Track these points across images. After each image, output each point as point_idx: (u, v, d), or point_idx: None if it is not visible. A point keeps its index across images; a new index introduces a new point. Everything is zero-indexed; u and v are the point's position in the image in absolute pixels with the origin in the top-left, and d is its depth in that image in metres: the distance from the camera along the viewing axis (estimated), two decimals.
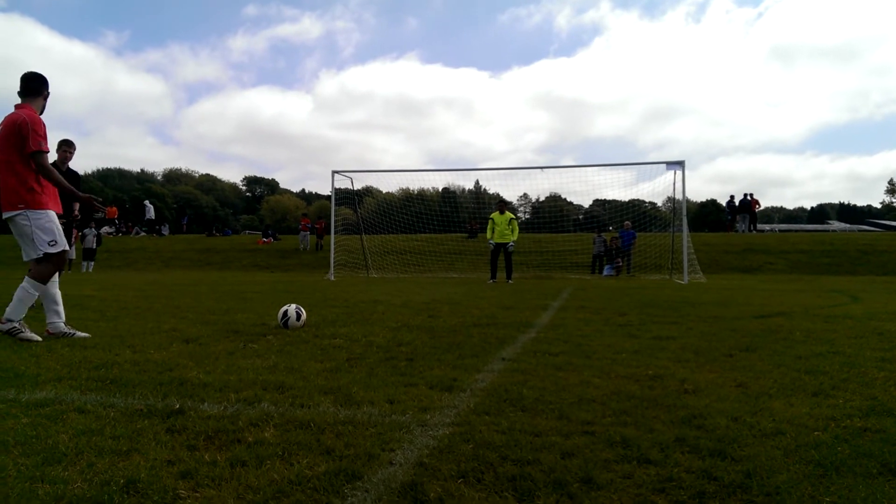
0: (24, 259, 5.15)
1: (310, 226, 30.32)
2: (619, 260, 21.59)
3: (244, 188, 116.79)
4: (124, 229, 39.79)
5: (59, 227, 5.19)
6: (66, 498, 1.94)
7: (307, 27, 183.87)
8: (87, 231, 23.47)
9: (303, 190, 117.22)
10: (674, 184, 18.46)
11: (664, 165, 18.43)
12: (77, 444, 2.41)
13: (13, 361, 4.05)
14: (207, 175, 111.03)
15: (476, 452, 2.37)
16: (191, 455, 2.33)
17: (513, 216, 16.05)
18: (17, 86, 5.18)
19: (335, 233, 20.56)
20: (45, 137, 5.07)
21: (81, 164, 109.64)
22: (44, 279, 5.09)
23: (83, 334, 5.22)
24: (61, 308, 5.29)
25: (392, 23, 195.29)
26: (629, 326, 6.17)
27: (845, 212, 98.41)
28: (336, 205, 20.96)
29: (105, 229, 35.08)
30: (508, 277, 15.92)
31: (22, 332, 4.96)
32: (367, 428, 2.67)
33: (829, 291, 12.24)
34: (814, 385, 3.53)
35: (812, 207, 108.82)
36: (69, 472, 2.14)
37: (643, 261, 21.58)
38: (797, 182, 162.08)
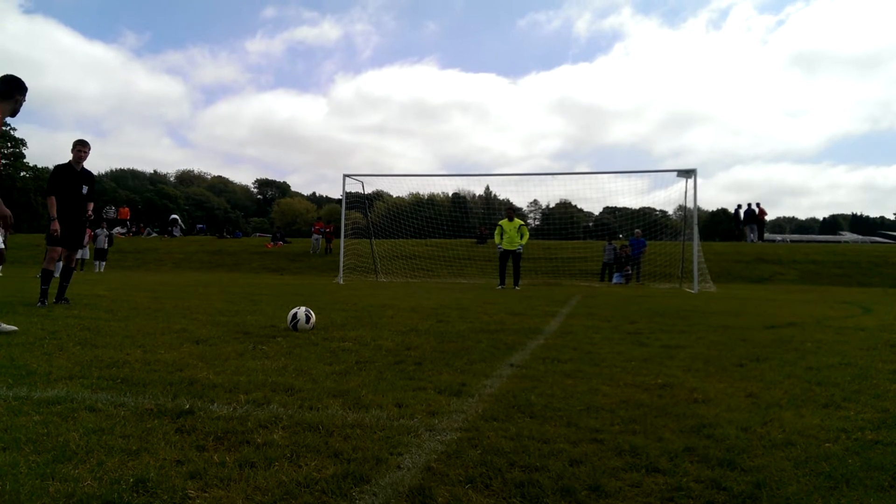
0: None
1: (322, 229, 30.43)
2: (629, 268, 21.51)
3: (255, 191, 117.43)
4: (135, 230, 40.11)
5: None
6: (77, 496, 1.95)
7: (326, 30, 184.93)
8: (98, 231, 23.65)
9: (314, 193, 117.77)
10: (685, 192, 18.41)
11: (675, 174, 18.38)
12: (87, 443, 2.43)
13: (26, 359, 4.09)
14: (219, 177, 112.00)
15: (484, 458, 2.37)
16: (200, 455, 2.34)
17: (522, 223, 16.08)
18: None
19: (345, 236, 20.61)
20: None
21: (96, 164, 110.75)
22: None
23: (9, 327, 5.30)
24: None
25: (411, 27, 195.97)
26: (638, 335, 6.15)
27: (858, 223, 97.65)
28: (347, 208, 21.02)
29: (117, 230, 35.37)
30: (516, 284, 15.89)
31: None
32: (375, 431, 2.68)
33: (840, 302, 12.14)
34: (825, 396, 3.50)
35: (824, 218, 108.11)
36: (79, 471, 2.16)
37: (653, 269, 21.48)
38: (812, 192, 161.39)
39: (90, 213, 8.19)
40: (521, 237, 15.80)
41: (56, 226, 7.67)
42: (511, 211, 16.32)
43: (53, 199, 7.71)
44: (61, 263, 8.28)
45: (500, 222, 16.19)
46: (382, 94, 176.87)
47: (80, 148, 7.96)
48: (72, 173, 7.89)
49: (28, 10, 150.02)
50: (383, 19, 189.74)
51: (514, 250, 15.78)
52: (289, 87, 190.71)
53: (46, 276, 7.88)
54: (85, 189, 8.03)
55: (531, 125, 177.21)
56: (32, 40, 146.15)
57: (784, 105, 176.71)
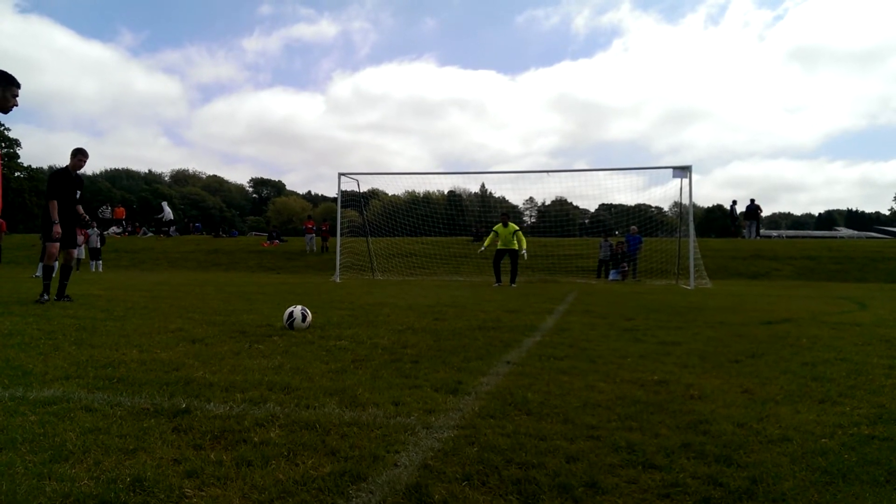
0: None
1: (314, 228, 30.38)
2: (625, 265, 21.53)
3: (251, 190, 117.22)
4: (130, 229, 39.97)
5: None
6: (73, 495, 1.95)
7: (323, 27, 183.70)
8: (90, 231, 23.58)
9: (309, 192, 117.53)
10: (681, 189, 18.45)
11: (671, 171, 18.40)
12: (84, 442, 2.42)
13: (21, 359, 4.07)
14: (214, 176, 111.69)
15: (481, 455, 2.37)
16: (197, 454, 2.34)
17: (517, 228, 16.17)
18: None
19: (341, 235, 20.59)
20: None
21: (92, 164, 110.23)
22: None
23: None
24: None
25: (409, 24, 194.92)
26: (635, 331, 6.16)
27: (853, 218, 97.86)
28: (342, 207, 21.00)
29: (113, 229, 35.25)
30: (512, 281, 15.92)
31: None
32: (371, 429, 2.68)
33: (836, 298, 12.18)
34: (821, 392, 3.51)
35: (820, 213, 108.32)
36: (76, 470, 2.15)
37: (649, 266, 21.51)
38: (809, 188, 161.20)
39: (85, 215, 8.59)
40: (520, 242, 15.91)
41: (59, 229, 8.13)
42: (506, 217, 16.38)
43: (55, 203, 8.16)
44: (58, 263, 8.51)
45: (494, 227, 16.32)
46: (380, 91, 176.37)
47: (81, 157, 8.52)
48: (68, 179, 8.40)
49: (24, 10, 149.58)
50: (381, 16, 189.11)
51: (511, 250, 15.87)
52: (286, 85, 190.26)
53: (48, 271, 8.32)
54: (78, 193, 8.55)
55: (530, 122, 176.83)
56: (28, 39, 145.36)
57: (783, 101, 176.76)
